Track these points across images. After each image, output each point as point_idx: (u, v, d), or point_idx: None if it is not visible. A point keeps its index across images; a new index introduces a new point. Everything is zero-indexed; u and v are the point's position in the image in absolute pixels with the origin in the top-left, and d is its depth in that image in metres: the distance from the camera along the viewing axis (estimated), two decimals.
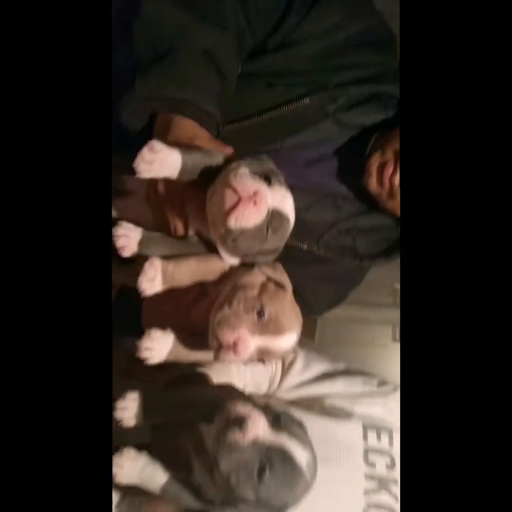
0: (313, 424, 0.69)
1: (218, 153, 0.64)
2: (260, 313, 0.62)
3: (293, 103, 0.75)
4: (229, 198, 0.57)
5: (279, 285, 0.66)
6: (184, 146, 0.62)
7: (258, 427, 0.57)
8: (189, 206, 0.66)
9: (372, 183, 0.80)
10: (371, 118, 0.81)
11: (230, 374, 0.80)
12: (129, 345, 0.77)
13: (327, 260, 0.85)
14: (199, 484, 0.63)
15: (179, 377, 0.75)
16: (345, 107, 0.78)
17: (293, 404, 0.83)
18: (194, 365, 0.78)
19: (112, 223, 0.72)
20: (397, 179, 0.79)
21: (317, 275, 0.79)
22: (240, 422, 0.57)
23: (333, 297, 0.90)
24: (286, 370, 0.90)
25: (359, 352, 1.48)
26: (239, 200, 0.56)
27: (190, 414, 0.65)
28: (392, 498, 0.76)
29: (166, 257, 0.66)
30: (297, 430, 0.60)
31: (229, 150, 0.67)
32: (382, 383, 0.88)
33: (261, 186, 0.58)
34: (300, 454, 0.58)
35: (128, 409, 0.65)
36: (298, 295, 0.72)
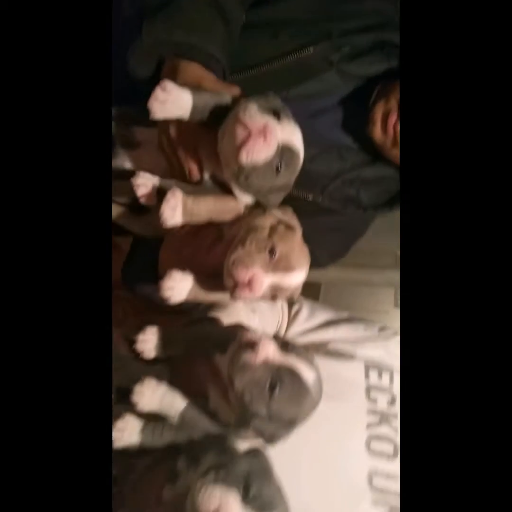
0: (317, 364, 0.74)
1: (226, 93, 0.67)
2: (272, 252, 0.66)
3: (297, 53, 0.78)
4: (240, 134, 0.60)
5: (289, 227, 0.70)
6: (194, 87, 0.65)
7: (269, 349, 0.62)
8: (202, 149, 0.69)
9: (376, 131, 0.82)
10: (374, 68, 0.83)
11: (240, 320, 0.85)
12: (148, 291, 0.82)
13: (331, 211, 0.88)
14: (215, 409, 0.68)
15: (194, 320, 0.81)
16: (348, 57, 0.81)
17: None
18: (208, 310, 0.83)
19: (129, 174, 0.77)
20: None
21: (322, 226, 0.82)
22: (252, 345, 0.62)
23: (337, 248, 0.93)
24: (292, 318, 0.96)
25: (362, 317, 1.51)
26: (249, 135, 0.60)
27: (205, 346, 0.71)
28: (392, 431, 0.82)
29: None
30: (303, 354, 0.65)
31: (236, 90, 0.70)
32: (383, 328, 0.94)
33: (270, 120, 0.61)
34: (307, 374, 0.63)
35: (148, 342, 0.70)
36: None
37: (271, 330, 0.91)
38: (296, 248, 0.68)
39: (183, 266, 0.71)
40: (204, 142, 0.69)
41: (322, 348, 0.89)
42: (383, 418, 0.82)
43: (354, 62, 0.81)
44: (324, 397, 0.67)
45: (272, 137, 0.61)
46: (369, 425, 0.82)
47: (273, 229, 0.68)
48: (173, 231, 0.75)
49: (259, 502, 0.59)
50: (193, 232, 0.75)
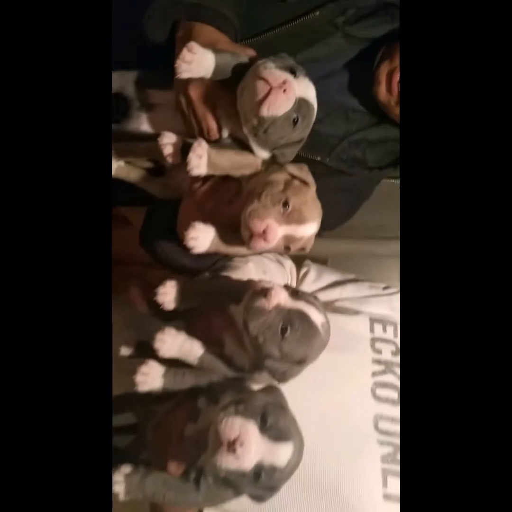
0: None
1: (243, 54, 0.72)
2: (285, 205, 0.70)
3: (304, 17, 0.81)
4: (261, 89, 0.65)
5: (304, 182, 0.75)
6: (214, 48, 0.70)
7: (280, 296, 0.67)
8: (220, 107, 0.74)
9: (381, 91, 0.84)
10: (379, 30, 0.85)
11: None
12: (167, 251, 0.87)
13: (339, 172, 0.91)
14: (230, 354, 0.74)
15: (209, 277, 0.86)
16: (353, 20, 0.84)
17: None
18: (221, 270, 0.88)
19: (148, 138, 0.81)
20: None
21: (329, 187, 0.84)
22: (265, 293, 0.67)
23: (344, 210, 0.96)
24: (300, 280, 1.01)
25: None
26: (270, 90, 0.65)
27: (220, 298, 0.76)
28: (396, 379, 0.87)
29: None
30: (312, 299, 0.70)
31: (251, 52, 0.74)
32: (387, 287, 0.99)
33: (288, 76, 0.67)
34: (316, 316, 0.68)
35: (168, 294, 0.75)
36: None
37: None
38: (309, 201, 0.73)
39: (204, 220, 0.75)
40: (222, 101, 0.74)
41: (329, 306, 0.94)
42: (388, 367, 0.88)
43: (359, 24, 0.84)
44: (331, 349, 0.72)
45: (291, 90, 0.66)
46: (374, 374, 0.87)
47: (287, 184, 0.73)
48: (193, 189, 0.80)
49: (275, 432, 0.64)
50: (213, 188, 0.79)
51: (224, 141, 0.76)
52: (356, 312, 0.93)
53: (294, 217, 0.70)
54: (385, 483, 0.80)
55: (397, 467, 0.81)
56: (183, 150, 0.73)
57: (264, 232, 0.69)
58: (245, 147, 0.74)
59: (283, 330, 0.66)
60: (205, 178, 0.79)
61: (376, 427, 0.84)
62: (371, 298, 0.96)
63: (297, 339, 0.67)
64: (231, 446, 0.61)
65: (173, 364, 0.75)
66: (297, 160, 0.79)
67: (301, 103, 0.68)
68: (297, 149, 0.76)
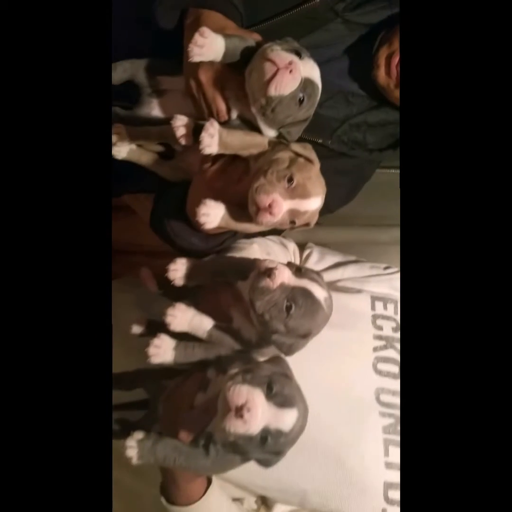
0: None
1: (250, 38, 0.76)
2: (290, 180, 0.74)
3: (305, 4, 0.84)
4: (268, 69, 0.69)
5: (308, 160, 0.78)
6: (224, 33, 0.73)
7: (284, 274, 0.71)
8: (229, 90, 0.78)
9: (381, 74, 0.88)
10: (377, 15, 0.89)
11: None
12: (176, 229, 0.90)
13: (340, 155, 0.95)
14: (238, 328, 0.77)
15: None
16: (352, 6, 0.87)
17: None
18: (228, 251, 0.92)
19: (159, 122, 0.85)
20: None
21: (331, 169, 0.86)
22: (269, 272, 0.71)
23: (346, 192, 1.00)
24: (303, 261, 1.05)
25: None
26: (277, 70, 0.69)
27: (228, 274, 0.79)
28: (397, 353, 0.91)
29: None
30: (315, 276, 0.74)
31: (257, 36, 0.78)
32: (388, 267, 1.02)
33: (294, 57, 0.71)
34: (319, 292, 0.72)
35: (178, 271, 0.79)
36: None
37: None
38: (313, 177, 0.76)
39: (214, 198, 0.79)
40: (231, 83, 0.77)
41: (331, 286, 0.97)
42: (389, 342, 0.91)
43: (358, 10, 0.88)
44: (334, 325, 0.75)
45: (297, 71, 0.70)
46: (375, 349, 0.90)
47: (292, 161, 0.76)
48: (203, 169, 0.83)
49: (280, 399, 0.67)
50: (222, 168, 0.83)
51: (233, 122, 0.79)
52: (358, 291, 0.96)
53: (299, 192, 0.74)
54: (386, 453, 0.84)
55: (398, 438, 0.85)
56: (195, 131, 0.77)
57: (270, 206, 0.72)
58: (253, 128, 0.78)
59: (288, 308, 0.69)
60: (215, 159, 0.82)
61: (377, 399, 0.87)
62: (372, 278, 0.99)
63: (301, 315, 0.70)
64: (239, 411, 0.65)
65: (183, 339, 0.78)
66: (299, 142, 0.83)
67: (306, 83, 0.72)
68: (302, 128, 0.80)
